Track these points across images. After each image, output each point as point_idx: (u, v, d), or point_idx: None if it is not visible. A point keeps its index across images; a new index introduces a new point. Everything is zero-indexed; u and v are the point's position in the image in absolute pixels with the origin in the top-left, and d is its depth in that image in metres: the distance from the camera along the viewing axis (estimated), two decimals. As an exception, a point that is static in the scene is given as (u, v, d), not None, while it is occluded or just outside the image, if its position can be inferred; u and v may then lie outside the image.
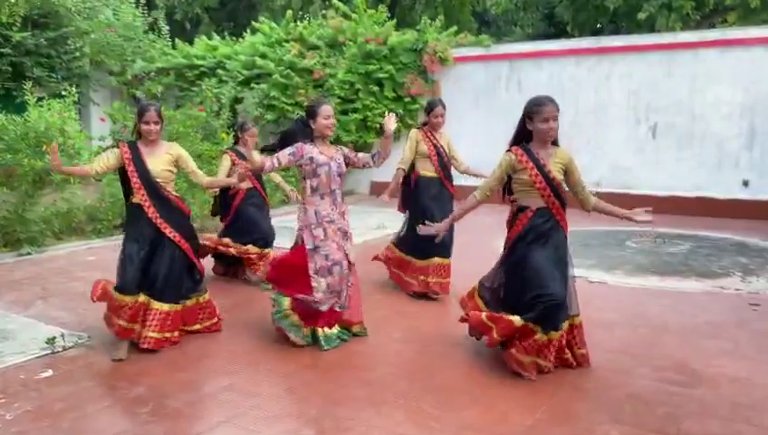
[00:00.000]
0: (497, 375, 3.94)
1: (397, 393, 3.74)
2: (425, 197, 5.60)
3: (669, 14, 15.87)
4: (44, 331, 4.72)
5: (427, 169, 5.66)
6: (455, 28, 13.20)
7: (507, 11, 22.96)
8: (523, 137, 3.89)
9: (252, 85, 13.39)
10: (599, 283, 6.30)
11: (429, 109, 5.69)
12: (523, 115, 3.85)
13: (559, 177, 3.83)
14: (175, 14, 21.22)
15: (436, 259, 5.57)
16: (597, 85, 11.37)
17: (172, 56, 15.12)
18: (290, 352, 4.39)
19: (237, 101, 13.14)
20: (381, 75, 12.57)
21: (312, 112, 4.36)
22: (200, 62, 14.57)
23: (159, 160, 4.42)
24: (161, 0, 20.55)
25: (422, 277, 5.61)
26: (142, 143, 4.44)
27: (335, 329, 4.51)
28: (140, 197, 4.35)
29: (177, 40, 15.90)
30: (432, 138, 5.65)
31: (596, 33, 19.62)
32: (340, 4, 14.26)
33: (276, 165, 4.27)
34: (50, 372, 4.05)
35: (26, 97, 9.05)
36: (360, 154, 4.60)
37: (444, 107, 5.70)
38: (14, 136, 7.99)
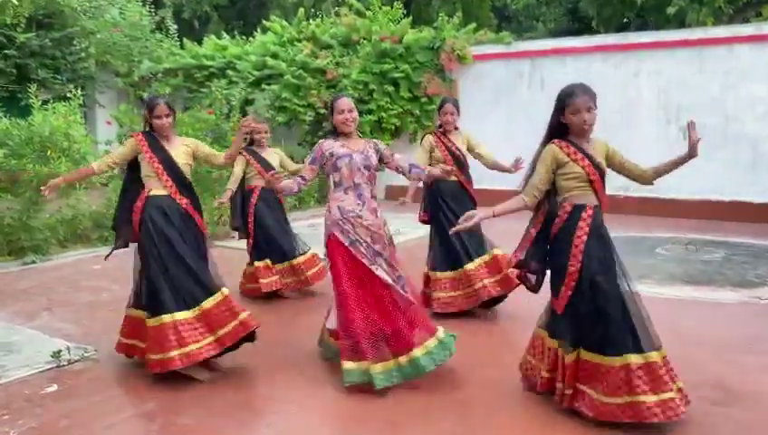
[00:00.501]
0: (518, 390, 3.89)
1: (415, 411, 3.71)
2: (445, 204, 5.55)
3: (700, 9, 15.72)
4: (49, 343, 4.76)
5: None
6: (473, 25, 13.18)
7: (528, 6, 22.91)
8: (557, 132, 3.61)
9: (263, 86, 13.45)
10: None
11: (439, 108, 5.65)
12: (555, 108, 3.61)
13: (605, 169, 3.64)
14: (183, 12, 21.40)
15: (480, 259, 5.46)
16: (624, 84, 11.28)
17: (180, 56, 15.24)
18: (305, 370, 4.37)
19: (248, 102, 13.20)
20: (397, 75, 12.57)
21: (330, 108, 4.27)
22: (209, 63, 14.66)
23: (179, 152, 4.34)
24: (168, -2, 20.75)
25: (478, 284, 5.39)
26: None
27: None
28: (166, 184, 4.24)
29: (185, 39, 16.03)
30: (446, 141, 5.58)
31: (622, 28, 19.52)
32: (354, 2, 14.30)
33: (304, 182, 4.17)
34: (55, 387, 4.08)
35: (31, 100, 9.16)
36: (398, 156, 4.40)
37: (455, 105, 5.61)
38: (18, 141, 8.09)
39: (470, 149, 5.64)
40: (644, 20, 19.72)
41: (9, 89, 13.30)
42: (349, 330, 3.95)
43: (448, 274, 5.47)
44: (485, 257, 5.47)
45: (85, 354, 4.58)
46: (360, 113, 13.09)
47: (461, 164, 5.58)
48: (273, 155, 6.13)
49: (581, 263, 3.50)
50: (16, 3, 5.13)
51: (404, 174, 4.38)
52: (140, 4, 15.88)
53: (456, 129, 5.64)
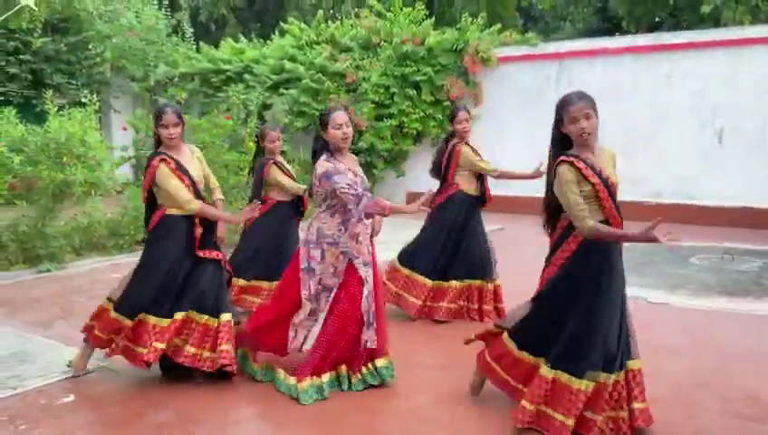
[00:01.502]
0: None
1: (437, 425, 3.74)
2: (453, 215, 5.68)
3: (737, 7, 15.60)
4: (65, 352, 4.84)
5: (468, 187, 5.68)
6: (498, 26, 13.20)
7: (555, 5, 22.87)
8: (561, 143, 3.55)
9: (281, 91, 13.60)
10: (660, 304, 6.19)
11: (452, 116, 5.68)
12: (555, 119, 3.56)
13: (617, 181, 3.53)
14: (199, 15, 21.71)
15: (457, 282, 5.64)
16: (656, 86, 11.22)
17: (196, 60, 15.45)
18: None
19: (266, 107, 13.34)
20: (419, 78, 12.62)
21: (323, 122, 4.16)
22: (226, 67, 14.85)
23: (194, 166, 4.34)
24: (185, 1, 21.04)
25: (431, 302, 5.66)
26: (167, 150, 4.30)
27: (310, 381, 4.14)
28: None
29: (201, 43, 16.25)
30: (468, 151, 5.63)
31: (654, 28, 19.41)
32: (375, 3, 14.39)
33: (382, 201, 4.08)
34: (71, 397, 4.15)
35: (46, 105, 9.35)
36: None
37: (468, 112, 5.65)
38: (33, 147, 8.25)
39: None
40: (677, 19, 19.60)
41: (24, 94, 13.58)
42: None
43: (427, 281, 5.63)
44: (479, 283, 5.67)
45: (101, 364, 4.65)
46: (381, 118, 13.29)
47: (481, 178, 5.71)
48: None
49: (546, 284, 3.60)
50: (34, 7, 5.27)
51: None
52: (156, 7, 16.13)
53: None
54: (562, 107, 3.48)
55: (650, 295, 6.40)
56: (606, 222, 3.43)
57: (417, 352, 4.97)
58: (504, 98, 12.27)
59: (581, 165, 3.42)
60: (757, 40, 10.54)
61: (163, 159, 4.19)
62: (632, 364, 3.57)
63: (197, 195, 4.24)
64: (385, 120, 12.91)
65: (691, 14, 18.02)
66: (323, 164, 4.07)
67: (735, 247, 8.53)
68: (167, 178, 4.15)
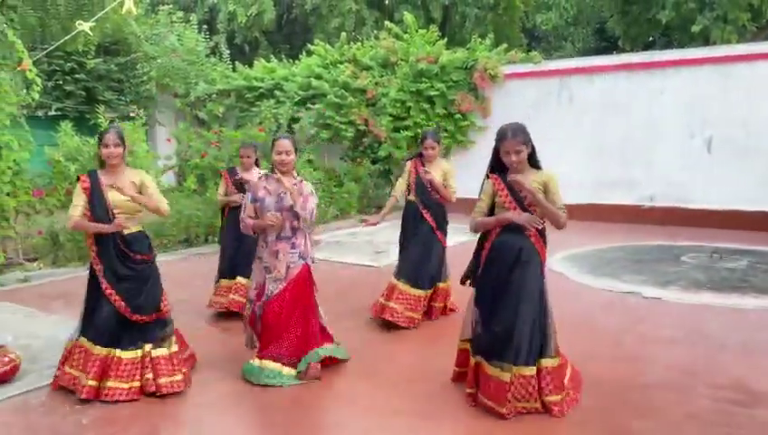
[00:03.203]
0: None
1: (457, 406, 3.74)
2: (403, 221, 5.70)
3: (725, 26, 15.40)
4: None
5: (411, 195, 5.65)
6: (505, 45, 13.15)
7: (557, 26, 22.75)
8: (497, 165, 3.72)
9: (308, 105, 13.65)
10: (653, 299, 6.13)
11: (421, 140, 5.68)
12: (494, 146, 3.71)
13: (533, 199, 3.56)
14: (235, 38, 21.84)
15: (395, 281, 5.46)
16: (650, 100, 11.11)
17: (232, 78, 15.56)
18: (351, 362, 4.44)
19: (294, 120, 13.42)
20: (432, 93, 12.61)
21: (271, 146, 4.26)
22: (259, 84, 14.94)
23: (117, 191, 3.98)
24: (222, 25, 21.20)
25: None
26: (105, 170, 4.06)
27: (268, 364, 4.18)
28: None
29: (236, 63, 16.37)
30: (419, 169, 5.58)
31: (648, 46, 19.23)
32: (392, 25, 14.42)
33: (247, 217, 4.24)
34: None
35: (99, 119, 9.47)
36: (309, 205, 4.22)
37: (435, 140, 5.58)
38: (87, 157, 8.38)
39: (443, 180, 5.56)
40: (669, 38, 19.40)
41: (79, 110, 13.76)
42: None
43: (404, 286, 5.44)
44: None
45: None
46: (398, 129, 13.30)
47: (422, 190, 5.54)
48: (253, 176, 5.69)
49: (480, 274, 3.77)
50: (90, 33, 5.39)
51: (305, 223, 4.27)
52: (196, 31, 16.26)
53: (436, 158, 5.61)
54: (499, 139, 3.65)
55: (644, 291, 6.35)
56: (514, 227, 3.61)
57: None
58: (510, 111, 12.18)
59: (495, 179, 3.72)
60: (744, 57, 10.40)
61: (83, 179, 4.02)
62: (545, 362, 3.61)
63: (106, 217, 3.92)
64: (402, 131, 12.91)
65: (682, 34, 17.82)
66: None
67: (724, 247, 8.42)
68: (75, 194, 4.03)
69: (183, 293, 6.54)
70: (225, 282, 5.76)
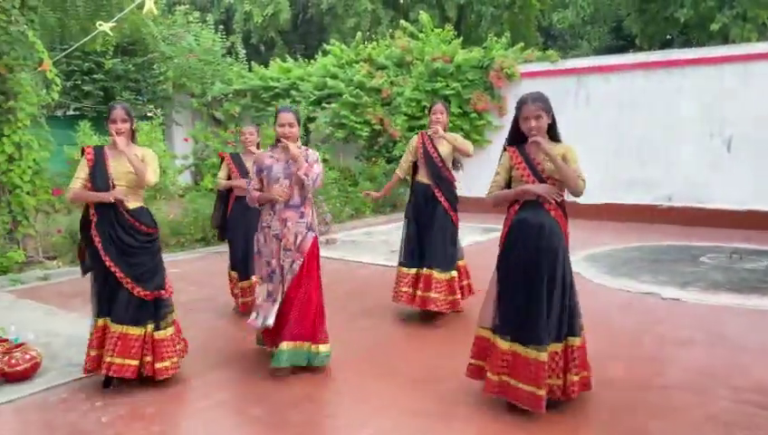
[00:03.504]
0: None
1: (467, 408, 3.73)
2: (411, 203, 5.54)
3: (744, 24, 15.23)
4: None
5: (421, 175, 5.50)
6: (521, 44, 13.10)
7: (573, 25, 22.62)
8: (517, 137, 3.66)
9: (323, 105, 13.69)
10: (672, 299, 6.07)
11: (429, 110, 5.49)
12: (514, 115, 3.66)
13: (550, 167, 3.50)
14: (251, 38, 21.97)
15: (427, 271, 5.32)
16: (668, 99, 11.00)
17: (248, 78, 15.64)
18: (365, 362, 4.44)
19: (310, 120, 13.46)
20: (448, 92, 12.58)
21: (275, 119, 4.28)
22: (275, 84, 15.00)
23: (121, 162, 4.01)
24: (238, 25, 21.34)
25: (407, 289, 5.39)
26: (109, 147, 4.11)
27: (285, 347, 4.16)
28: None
29: (252, 63, 16.46)
30: (427, 142, 5.43)
31: (665, 45, 19.05)
32: (408, 25, 14.41)
33: (253, 189, 4.27)
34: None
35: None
36: (314, 171, 4.21)
37: (445, 106, 5.44)
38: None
39: (455, 149, 5.41)
40: (687, 37, 19.19)
41: (97, 109, 13.91)
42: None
43: (409, 270, 5.43)
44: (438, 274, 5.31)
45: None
46: (413, 129, 13.27)
47: (432, 165, 5.40)
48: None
49: (501, 255, 3.66)
50: (110, 33, 5.45)
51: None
52: (213, 31, 16.38)
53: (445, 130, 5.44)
54: (519, 106, 3.60)
55: (663, 292, 6.29)
56: (533, 203, 3.54)
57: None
58: (527, 110, 12.16)
59: (513, 152, 3.64)
60: (764, 55, 10.25)
61: (87, 151, 4.10)
62: (572, 340, 3.58)
63: (106, 188, 3.95)
64: (417, 130, 12.88)
65: (701, 32, 17.63)
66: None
67: (743, 248, 8.32)
68: (78, 168, 4.10)
69: (201, 291, 6.59)
70: (245, 283, 5.64)
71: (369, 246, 9.22)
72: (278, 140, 4.27)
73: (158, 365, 4.03)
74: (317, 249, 4.32)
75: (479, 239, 9.26)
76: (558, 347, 3.52)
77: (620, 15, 20.88)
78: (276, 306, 4.20)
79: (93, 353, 4.04)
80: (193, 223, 9.23)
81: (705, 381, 4.05)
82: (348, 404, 3.90)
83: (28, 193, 7.69)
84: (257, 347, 4.65)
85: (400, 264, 5.54)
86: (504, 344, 3.55)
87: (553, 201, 3.52)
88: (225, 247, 8.00)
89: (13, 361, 4.18)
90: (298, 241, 4.20)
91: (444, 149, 5.40)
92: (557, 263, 3.47)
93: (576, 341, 3.58)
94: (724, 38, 15.69)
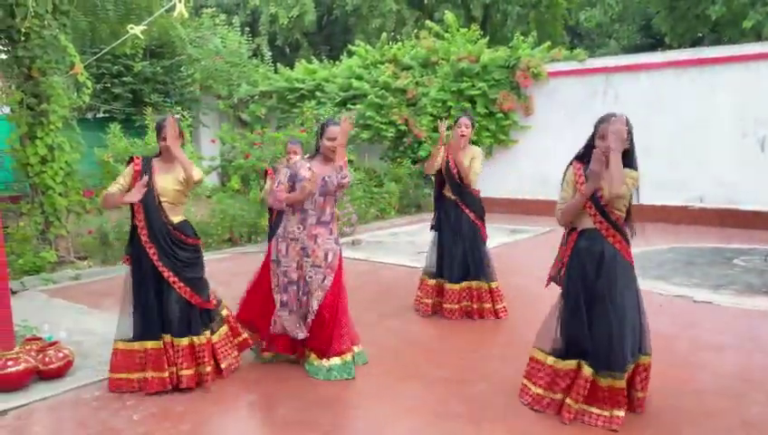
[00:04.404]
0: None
1: (495, 410, 3.70)
2: (440, 219, 5.60)
3: (777, 21, 14.91)
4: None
5: (446, 190, 5.58)
6: (547, 43, 12.99)
7: (601, 24, 22.37)
8: (586, 154, 3.53)
9: (348, 106, 13.73)
10: (705, 302, 5.96)
11: (455, 123, 5.50)
12: (592, 132, 3.54)
13: (611, 194, 3.34)
14: (276, 40, 22.12)
15: (469, 283, 5.49)
16: (699, 97, 10.81)
17: (274, 80, 15.76)
18: (392, 363, 4.44)
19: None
20: (473, 92, 12.53)
21: (321, 131, 4.31)
22: (300, 85, 15.09)
23: (168, 178, 4.08)
24: (264, 27, 21.50)
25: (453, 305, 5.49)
26: (159, 157, 4.18)
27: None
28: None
29: (278, 64, 16.58)
30: (449, 154, 5.46)
31: (696, 43, 18.73)
32: (433, 25, 14.39)
33: (279, 192, 4.22)
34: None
35: (146, 120, 9.67)
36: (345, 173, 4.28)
37: (470, 119, 5.48)
38: (136, 157, 8.56)
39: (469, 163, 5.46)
40: (718, 35, 18.84)
41: (126, 112, 14.12)
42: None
43: (430, 281, 5.61)
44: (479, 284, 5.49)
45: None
46: (437, 130, 13.17)
47: (453, 181, 5.47)
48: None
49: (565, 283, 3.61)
50: (140, 36, 5.53)
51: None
52: (239, 33, 16.54)
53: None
54: (602, 121, 3.49)
55: (695, 295, 6.18)
56: (592, 229, 3.50)
57: (475, 343, 4.91)
58: (554, 110, 12.04)
59: (578, 171, 3.54)
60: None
61: (136, 162, 4.13)
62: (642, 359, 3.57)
63: (153, 202, 4.00)
64: (443, 131, 12.86)
65: (733, 30, 17.29)
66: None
67: (778, 250, 8.13)
68: (122, 174, 4.16)
69: (228, 292, 6.65)
70: None
71: (395, 248, 9.21)
72: (317, 149, 4.30)
73: (223, 365, 4.21)
74: (341, 262, 4.38)
75: (506, 241, 9.20)
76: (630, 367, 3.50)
77: (650, 14, 20.58)
78: (299, 319, 4.29)
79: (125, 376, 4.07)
80: (220, 223, 9.32)
81: (740, 387, 3.97)
82: (376, 405, 3.90)
83: (60, 194, 7.84)
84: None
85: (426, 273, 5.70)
86: (571, 365, 3.55)
87: (616, 214, 3.45)
88: (250, 248, 8.06)
89: (47, 359, 4.27)
90: (329, 259, 4.26)
91: (465, 161, 5.43)
92: (622, 283, 3.45)
93: (645, 359, 3.59)
94: (756, 36, 15.38)
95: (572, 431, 3.41)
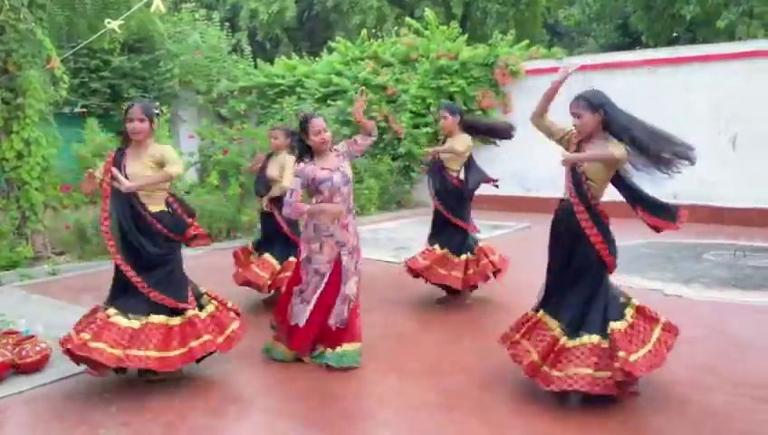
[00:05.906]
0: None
1: (471, 401, 3.78)
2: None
3: (750, 22, 15.21)
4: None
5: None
6: (526, 42, 13.11)
7: (579, 23, 22.60)
8: None
9: (329, 102, 13.73)
10: (675, 296, 6.10)
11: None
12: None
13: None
14: (256, 35, 22.02)
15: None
16: (674, 96, 11.00)
17: (254, 75, 15.69)
18: (373, 357, 4.50)
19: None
20: (453, 89, 12.60)
21: (303, 129, 4.28)
22: (280, 81, 15.04)
23: (137, 163, 3.97)
24: (244, 22, 21.38)
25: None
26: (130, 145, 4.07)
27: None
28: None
29: (258, 60, 16.50)
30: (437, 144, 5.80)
31: (672, 42, 19.02)
32: (413, 22, 14.44)
33: (296, 202, 4.20)
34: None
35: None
36: (359, 137, 4.51)
37: (447, 109, 5.86)
38: (113, 153, 8.51)
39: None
40: (693, 34, 19.16)
41: (104, 107, 13.98)
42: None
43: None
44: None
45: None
46: (418, 126, 13.30)
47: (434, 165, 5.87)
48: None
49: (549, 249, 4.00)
50: (118, 30, 5.51)
51: (370, 141, 4.61)
52: (219, 28, 16.43)
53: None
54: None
55: (666, 288, 6.32)
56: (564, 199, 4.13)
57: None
58: (533, 107, 12.09)
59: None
60: (769, 52, 10.26)
61: (110, 154, 4.11)
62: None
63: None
64: (422, 127, 12.93)
65: (707, 30, 17.61)
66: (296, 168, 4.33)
67: (747, 245, 8.33)
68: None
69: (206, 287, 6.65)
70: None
71: (375, 243, 9.27)
72: (308, 149, 4.29)
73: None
74: None
75: (487, 236, 9.29)
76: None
77: (627, 13, 20.85)
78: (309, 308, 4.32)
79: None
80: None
81: (707, 378, 4.10)
82: (362, 397, 3.96)
83: (36, 189, 7.77)
84: (250, 343, 4.62)
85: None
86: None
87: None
88: (228, 244, 8.05)
89: (23, 352, 4.26)
90: (356, 242, 4.44)
91: (444, 155, 5.80)
92: (583, 256, 3.90)
93: (617, 325, 3.79)
94: (730, 35, 15.67)
95: (546, 422, 3.49)
